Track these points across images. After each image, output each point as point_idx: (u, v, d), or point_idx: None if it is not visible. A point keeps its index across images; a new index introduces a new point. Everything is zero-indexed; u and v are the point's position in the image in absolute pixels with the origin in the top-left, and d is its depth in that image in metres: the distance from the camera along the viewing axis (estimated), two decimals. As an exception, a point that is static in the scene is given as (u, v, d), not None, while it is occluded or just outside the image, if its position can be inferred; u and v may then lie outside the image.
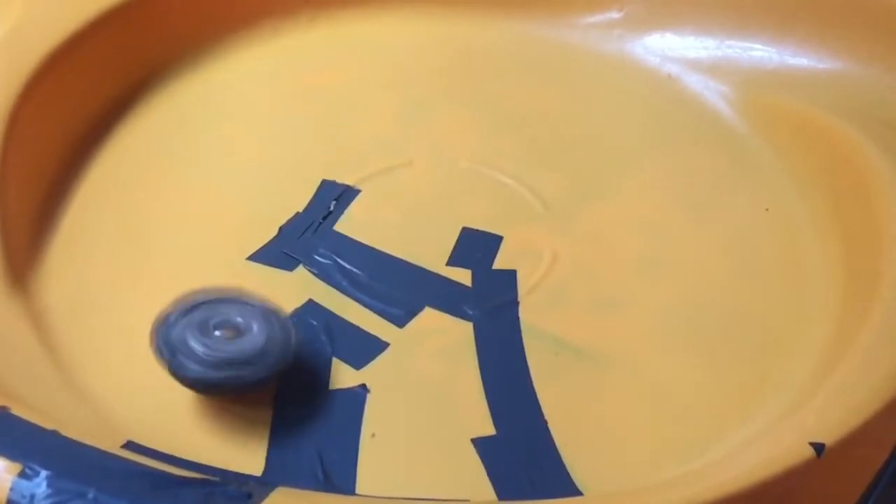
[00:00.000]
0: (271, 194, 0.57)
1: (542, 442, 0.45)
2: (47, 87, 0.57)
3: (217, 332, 0.44)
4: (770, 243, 0.55)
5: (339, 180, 0.58)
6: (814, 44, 0.63)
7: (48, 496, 0.36)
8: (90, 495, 0.36)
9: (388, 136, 0.61)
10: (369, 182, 0.58)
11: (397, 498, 0.42)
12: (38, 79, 0.57)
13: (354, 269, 0.53)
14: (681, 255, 0.54)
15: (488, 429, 0.46)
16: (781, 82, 0.63)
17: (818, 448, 0.40)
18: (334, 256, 0.53)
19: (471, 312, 0.51)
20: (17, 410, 0.40)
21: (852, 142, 0.56)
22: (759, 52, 0.65)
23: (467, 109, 0.64)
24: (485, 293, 0.52)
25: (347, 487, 0.43)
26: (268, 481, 0.41)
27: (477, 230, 0.55)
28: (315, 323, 0.50)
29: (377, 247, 0.54)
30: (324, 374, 0.48)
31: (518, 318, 0.51)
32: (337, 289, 0.52)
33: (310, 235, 0.54)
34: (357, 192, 0.57)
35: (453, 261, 0.53)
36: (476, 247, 0.54)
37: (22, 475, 0.36)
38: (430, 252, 0.54)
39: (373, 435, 0.45)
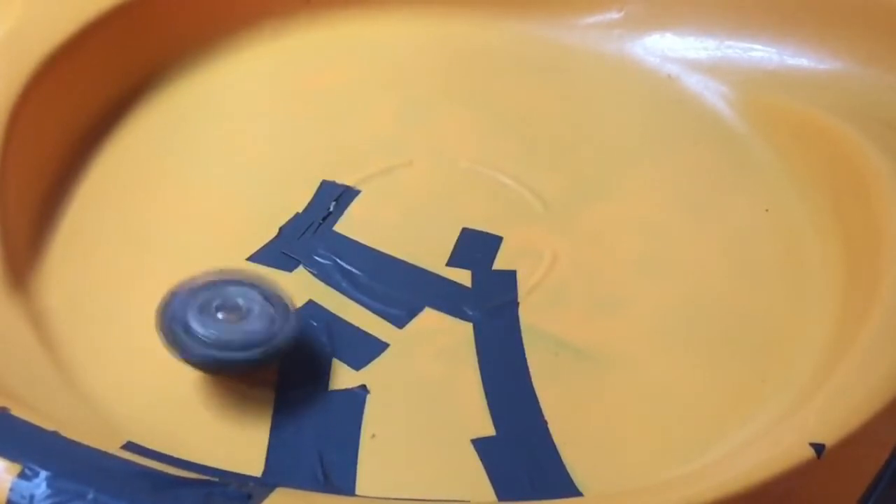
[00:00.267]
0: (271, 195, 0.57)
1: (542, 442, 0.45)
2: (47, 87, 0.57)
3: (220, 314, 0.45)
4: (770, 243, 0.55)
5: (339, 181, 0.58)
6: (814, 44, 0.63)
7: (48, 497, 0.36)
8: (90, 496, 0.36)
9: (388, 136, 0.61)
10: (369, 182, 0.58)
11: (397, 499, 0.42)
12: (39, 79, 0.57)
13: (354, 270, 0.53)
14: (681, 256, 0.54)
15: (488, 429, 0.46)
16: (781, 82, 0.63)
17: (818, 448, 0.40)
18: (334, 257, 0.53)
19: (471, 313, 0.51)
20: (16, 411, 0.40)
21: (852, 142, 0.56)
22: (759, 52, 0.65)
23: (467, 109, 0.64)
24: (485, 293, 0.52)
25: (347, 488, 0.43)
26: (268, 482, 0.41)
27: (477, 231, 0.55)
28: (315, 323, 0.50)
29: (377, 247, 0.54)
30: (324, 374, 0.48)
31: (518, 318, 0.51)
32: (337, 289, 0.52)
33: (310, 236, 0.54)
34: (357, 192, 0.57)
35: (453, 261, 0.53)
36: (476, 247, 0.54)
37: (22, 476, 0.36)
38: (430, 252, 0.54)
39: (373, 435, 0.45)
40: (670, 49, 0.67)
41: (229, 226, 0.55)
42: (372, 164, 0.59)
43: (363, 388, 0.47)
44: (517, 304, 0.51)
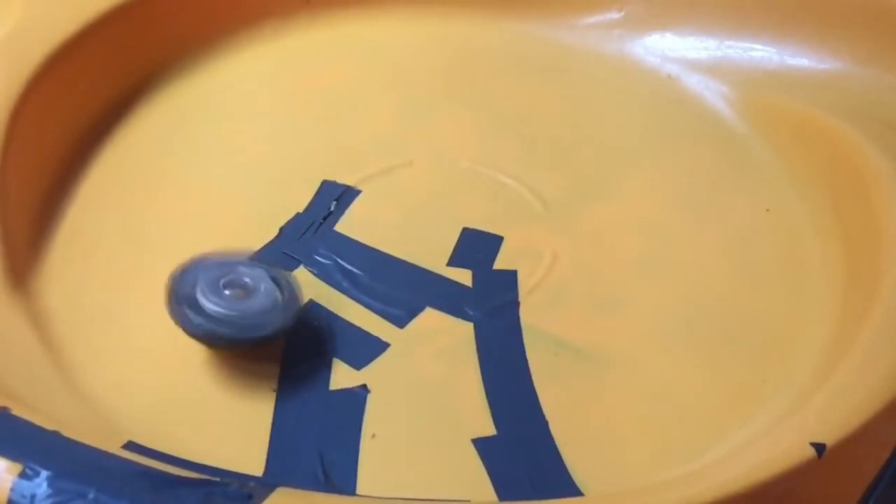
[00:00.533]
0: (272, 194, 0.57)
1: (542, 442, 0.45)
2: (48, 87, 0.57)
3: (227, 291, 0.46)
4: (770, 243, 0.55)
5: (340, 180, 0.58)
6: (814, 44, 0.63)
7: (49, 496, 0.36)
8: (90, 495, 0.36)
9: (388, 136, 0.61)
10: (369, 182, 0.58)
11: (398, 498, 0.42)
12: (39, 79, 0.57)
13: (355, 270, 0.53)
14: (681, 256, 0.55)
15: (489, 429, 0.46)
16: (781, 82, 0.63)
17: (819, 448, 0.40)
18: (335, 257, 0.53)
19: (471, 313, 0.51)
20: (17, 411, 0.40)
21: (852, 142, 0.56)
22: (759, 52, 0.65)
23: (467, 109, 0.64)
24: (485, 293, 0.52)
25: (348, 488, 0.43)
26: (268, 482, 0.41)
27: (477, 230, 0.55)
28: (315, 323, 0.50)
29: (377, 247, 0.54)
30: (324, 374, 0.48)
31: (518, 318, 0.51)
32: (337, 289, 0.52)
33: (310, 236, 0.54)
34: (357, 192, 0.57)
35: (454, 261, 0.53)
36: (476, 247, 0.54)
37: (22, 475, 0.36)
38: (431, 252, 0.54)
39: (373, 435, 0.45)
40: (670, 49, 0.67)
41: (230, 226, 0.55)
42: (372, 164, 0.59)
43: (364, 388, 0.47)
44: (518, 304, 0.51)
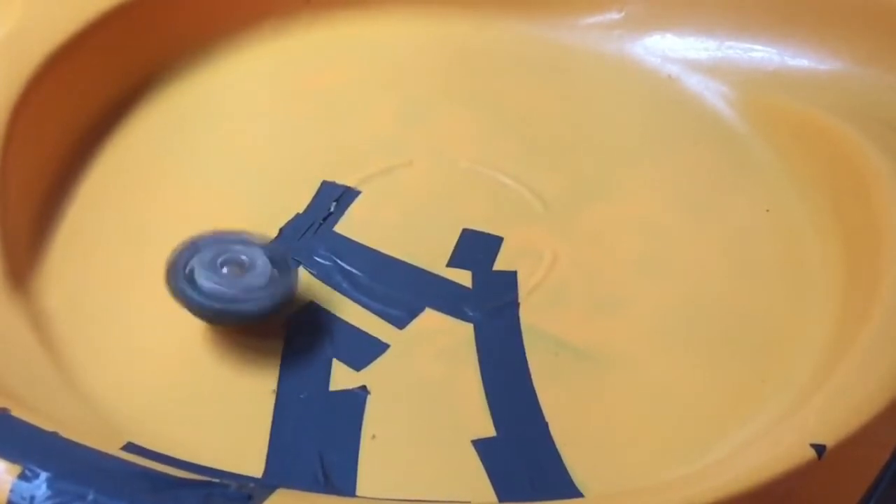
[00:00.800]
0: (271, 195, 0.57)
1: (542, 443, 0.45)
2: (48, 87, 0.57)
3: (224, 269, 0.47)
4: (770, 244, 0.55)
5: (340, 181, 0.58)
6: (814, 44, 0.63)
7: (48, 497, 0.36)
8: (90, 497, 0.36)
9: (388, 136, 0.61)
10: (369, 183, 0.58)
11: (398, 500, 0.42)
12: (39, 79, 0.56)
13: (355, 271, 0.53)
14: (681, 256, 0.54)
15: (489, 430, 0.46)
16: (781, 82, 0.63)
17: (819, 449, 0.40)
18: (334, 258, 0.53)
19: (471, 313, 0.51)
20: (17, 412, 0.39)
21: (852, 142, 0.56)
22: (759, 52, 0.65)
23: (467, 109, 0.63)
24: (485, 294, 0.52)
25: (348, 489, 0.43)
26: (268, 483, 0.41)
27: (477, 231, 0.55)
28: (315, 324, 0.50)
29: (377, 248, 0.54)
30: (324, 375, 0.48)
31: (518, 318, 0.51)
32: (337, 290, 0.52)
33: (310, 236, 0.54)
34: (357, 193, 0.57)
35: (454, 262, 0.53)
36: (476, 248, 0.54)
37: (22, 477, 0.36)
38: (431, 253, 0.54)
39: (373, 436, 0.45)
40: (671, 49, 0.67)
41: (230, 226, 0.55)
42: (372, 164, 0.59)
43: (363, 389, 0.47)
44: (518, 304, 0.51)
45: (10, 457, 0.37)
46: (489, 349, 0.49)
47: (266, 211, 0.56)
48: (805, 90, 0.62)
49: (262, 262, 0.48)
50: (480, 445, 0.45)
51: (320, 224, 0.55)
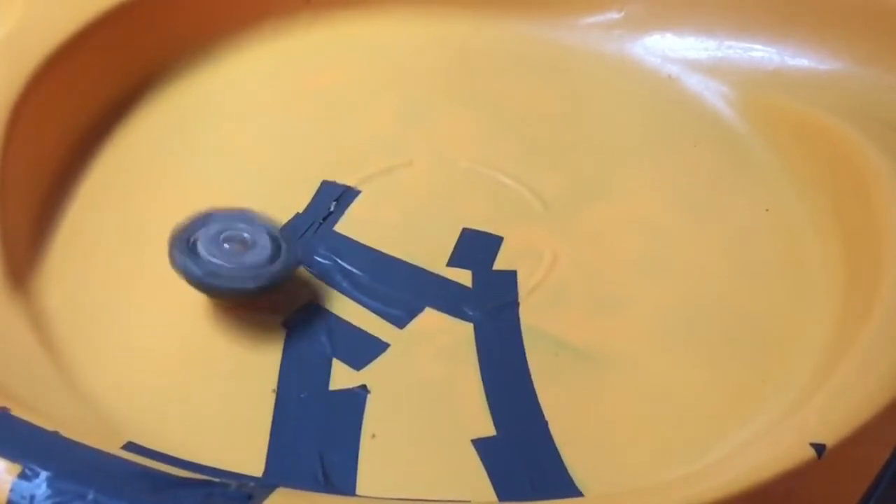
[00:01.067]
0: (271, 194, 0.57)
1: (542, 442, 0.45)
2: (48, 87, 0.57)
3: (226, 245, 0.48)
4: (770, 243, 0.55)
5: (340, 181, 0.58)
6: (814, 44, 0.63)
7: (48, 497, 0.36)
8: (90, 496, 0.36)
9: (388, 136, 0.61)
10: (369, 182, 0.58)
11: (398, 499, 0.42)
12: (39, 79, 0.57)
13: (355, 270, 0.53)
14: (681, 255, 0.54)
15: (489, 429, 0.46)
16: (781, 83, 0.63)
17: (819, 449, 0.40)
18: (334, 257, 0.53)
19: (471, 313, 0.51)
20: (17, 411, 0.40)
21: (852, 142, 0.56)
22: (759, 52, 0.65)
23: (467, 109, 0.64)
24: (485, 294, 0.52)
25: (348, 488, 0.43)
26: (268, 482, 0.41)
27: (477, 231, 0.55)
28: (315, 324, 0.50)
29: (377, 247, 0.54)
30: (324, 374, 0.48)
31: (518, 318, 0.51)
32: (337, 289, 0.52)
33: (310, 236, 0.54)
34: (357, 192, 0.57)
35: (454, 261, 0.53)
36: (476, 247, 0.54)
37: (22, 476, 0.36)
38: (431, 253, 0.54)
39: (373, 436, 0.45)
40: (670, 49, 0.67)
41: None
42: (372, 164, 0.59)
43: (363, 388, 0.47)
44: (517, 304, 0.51)
45: (10, 456, 0.37)
46: (489, 349, 0.49)
47: (266, 210, 0.56)
48: (805, 90, 0.62)
49: (263, 241, 0.49)
50: (480, 445, 0.45)
51: (320, 223, 0.55)
